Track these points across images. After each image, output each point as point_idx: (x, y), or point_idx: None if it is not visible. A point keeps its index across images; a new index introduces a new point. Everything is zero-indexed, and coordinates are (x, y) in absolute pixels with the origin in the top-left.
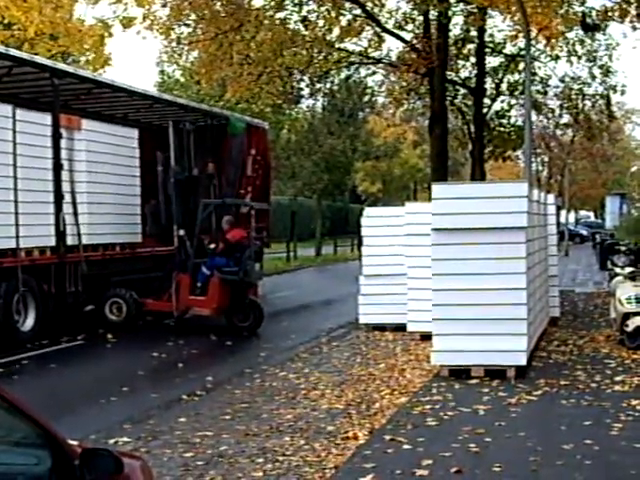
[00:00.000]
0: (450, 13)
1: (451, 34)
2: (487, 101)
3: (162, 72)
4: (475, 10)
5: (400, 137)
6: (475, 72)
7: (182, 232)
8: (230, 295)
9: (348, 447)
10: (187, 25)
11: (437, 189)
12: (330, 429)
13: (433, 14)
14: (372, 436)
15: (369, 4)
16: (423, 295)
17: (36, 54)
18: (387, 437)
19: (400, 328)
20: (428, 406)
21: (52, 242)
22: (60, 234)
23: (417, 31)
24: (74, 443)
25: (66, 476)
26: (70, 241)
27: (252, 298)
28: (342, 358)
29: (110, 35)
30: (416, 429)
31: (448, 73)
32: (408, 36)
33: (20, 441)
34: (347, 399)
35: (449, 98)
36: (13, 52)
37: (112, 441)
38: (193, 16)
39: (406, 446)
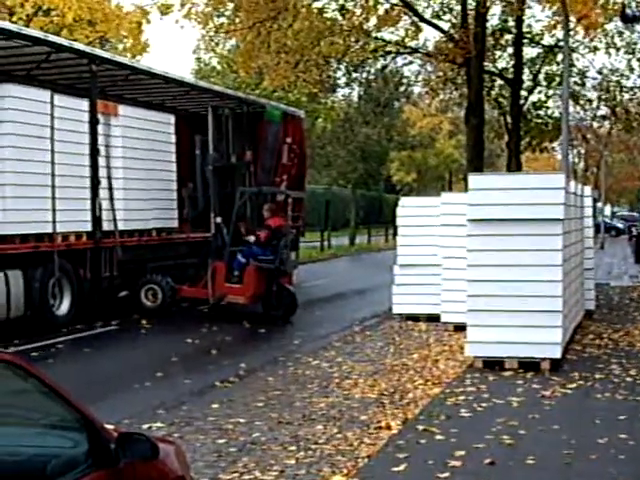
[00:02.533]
0: (488, 3)
1: (489, 24)
2: (524, 92)
3: (199, 60)
4: (513, 0)
5: (436, 127)
6: (512, 63)
7: (219, 219)
8: (265, 283)
9: (381, 437)
10: (224, 15)
11: (473, 180)
12: (363, 418)
13: (471, 3)
14: (405, 426)
15: None
16: (457, 286)
17: (74, 40)
18: (420, 427)
19: (434, 318)
20: (461, 397)
21: (88, 227)
22: (96, 219)
23: (455, 21)
24: (110, 427)
25: (102, 459)
26: (106, 226)
27: (287, 287)
28: (375, 348)
29: (148, 22)
30: (449, 420)
31: (485, 63)
32: (446, 26)
33: (57, 424)
34: (380, 389)
35: (486, 89)
36: (52, 38)
37: (145, 426)
38: (231, 5)
39: (439, 437)
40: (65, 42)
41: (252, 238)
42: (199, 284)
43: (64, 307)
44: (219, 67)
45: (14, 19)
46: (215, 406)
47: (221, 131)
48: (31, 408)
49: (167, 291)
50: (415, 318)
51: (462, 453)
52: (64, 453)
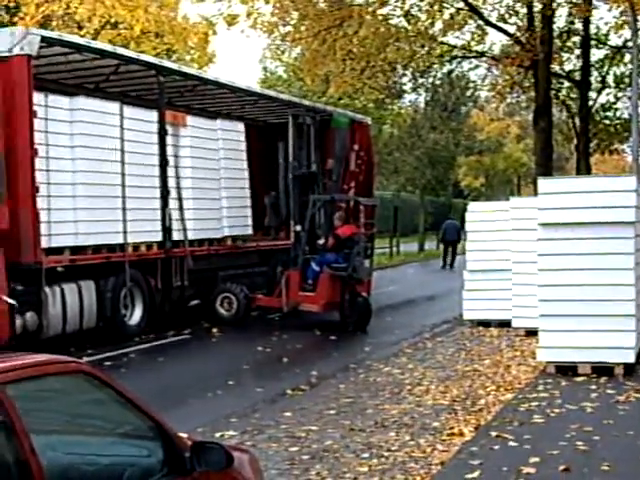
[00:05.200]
0: (554, 5)
1: (555, 26)
2: (592, 94)
3: (265, 68)
4: (580, 1)
5: (503, 131)
6: (580, 64)
7: (298, 227)
8: (340, 291)
9: (454, 443)
10: (290, 24)
11: (543, 183)
12: (435, 425)
13: (537, 6)
14: (478, 432)
15: None
16: (528, 290)
17: (142, 52)
18: (493, 434)
19: (505, 324)
20: (534, 403)
21: (159, 237)
22: (166, 229)
23: (521, 24)
24: (184, 436)
25: (177, 468)
26: (176, 236)
27: (361, 294)
28: (446, 354)
29: (214, 33)
30: (522, 426)
31: (552, 66)
32: (512, 29)
33: (132, 433)
34: (452, 395)
35: (553, 91)
36: (120, 51)
37: (218, 434)
38: (296, 14)
39: (512, 443)
40: (133, 54)
41: (320, 242)
42: (274, 292)
43: (136, 317)
44: (285, 75)
45: (82, 33)
46: (287, 414)
47: (302, 139)
48: (107, 417)
49: (242, 300)
50: (486, 324)
51: (536, 459)
52: (140, 462)
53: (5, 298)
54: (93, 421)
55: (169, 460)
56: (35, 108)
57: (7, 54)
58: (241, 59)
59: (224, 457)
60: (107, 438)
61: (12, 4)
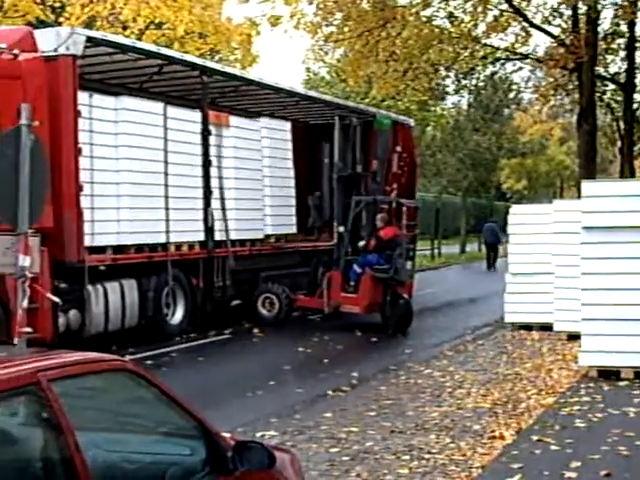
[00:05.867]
0: (599, 7)
1: (600, 28)
2: (637, 96)
3: (308, 70)
4: (626, 3)
5: (546, 134)
6: (625, 67)
7: (342, 228)
8: (382, 293)
9: (494, 447)
10: (333, 25)
11: (587, 187)
12: (476, 428)
13: (582, 8)
14: (519, 436)
15: None
16: (571, 294)
17: (185, 52)
18: (534, 437)
19: (546, 327)
20: (576, 407)
21: (201, 237)
22: (208, 229)
23: (565, 25)
24: (226, 435)
25: (219, 467)
26: (218, 236)
27: (402, 296)
28: (487, 357)
29: (258, 33)
30: (564, 430)
31: (597, 68)
32: (556, 31)
33: (175, 432)
34: (493, 398)
35: (598, 94)
36: (164, 51)
37: (259, 434)
38: (339, 15)
39: (554, 447)
40: (177, 54)
41: (361, 243)
42: (315, 294)
43: (177, 316)
44: (328, 77)
45: (127, 33)
46: (328, 415)
47: (348, 140)
48: (150, 416)
49: (284, 300)
50: (527, 327)
51: (578, 464)
52: (182, 461)
53: (50, 296)
54: (136, 419)
55: (211, 459)
56: (79, 107)
57: (53, 54)
58: (284, 60)
59: (267, 457)
60: (150, 436)
61: (57, 4)
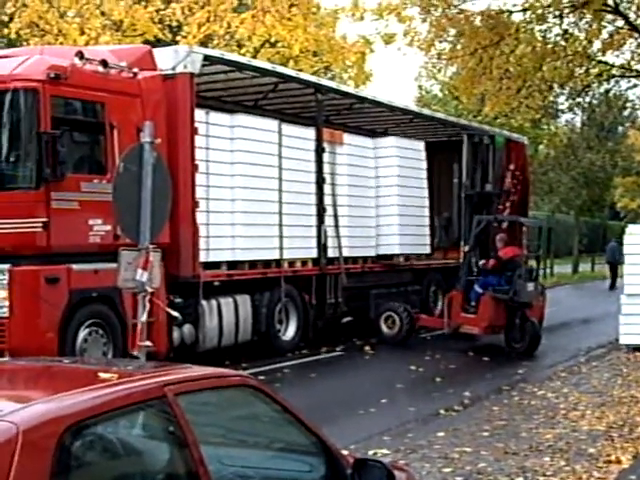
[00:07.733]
0: None
1: None
2: None
3: (420, 87)
4: None
5: None
6: None
7: (467, 248)
8: (503, 315)
9: (610, 471)
10: (447, 41)
11: None
12: (591, 451)
13: None
14: (636, 461)
15: (632, 15)
16: None
17: (300, 70)
18: None
19: None
20: None
21: (314, 254)
22: (322, 246)
23: None
24: (345, 453)
25: None
26: (331, 253)
27: (530, 319)
28: (602, 379)
29: (372, 51)
30: None
31: None
32: None
33: (295, 448)
34: (608, 421)
35: None
36: (279, 69)
37: (371, 452)
38: (452, 32)
39: None
40: (292, 72)
41: (482, 262)
42: (436, 313)
43: (290, 332)
44: (440, 94)
45: (242, 51)
46: (440, 434)
47: (476, 159)
48: (271, 431)
49: (405, 319)
50: None
51: None
52: (302, 477)
53: (170, 310)
54: (257, 434)
55: (331, 476)
56: (196, 125)
57: (171, 72)
58: (397, 77)
59: (385, 475)
60: (270, 452)
61: (175, 23)
